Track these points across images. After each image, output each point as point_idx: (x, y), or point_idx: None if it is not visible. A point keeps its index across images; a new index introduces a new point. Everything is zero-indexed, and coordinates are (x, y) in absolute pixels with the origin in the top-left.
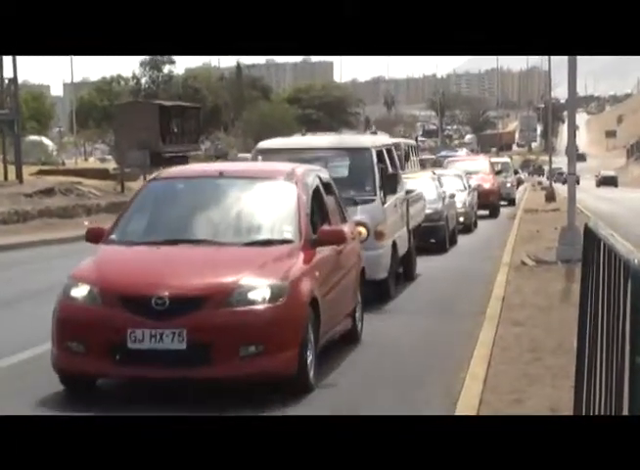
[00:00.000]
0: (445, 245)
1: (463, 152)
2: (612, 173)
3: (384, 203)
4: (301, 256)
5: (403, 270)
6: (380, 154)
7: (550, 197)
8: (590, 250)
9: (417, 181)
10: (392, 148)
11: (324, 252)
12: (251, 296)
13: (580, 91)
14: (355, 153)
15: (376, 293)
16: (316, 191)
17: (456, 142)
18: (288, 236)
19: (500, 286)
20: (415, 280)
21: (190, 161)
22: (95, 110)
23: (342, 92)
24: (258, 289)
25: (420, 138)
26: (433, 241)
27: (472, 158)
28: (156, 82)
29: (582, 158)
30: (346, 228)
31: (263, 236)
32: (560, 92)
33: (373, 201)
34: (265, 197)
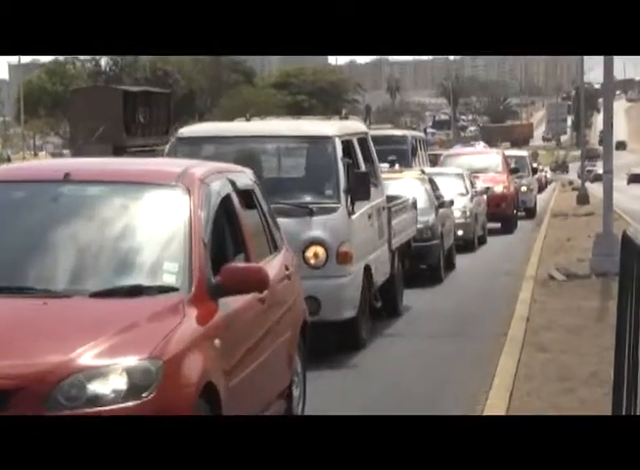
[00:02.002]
0: (440, 272)
1: (480, 146)
2: None
3: (351, 213)
4: (191, 313)
5: (383, 304)
6: (347, 145)
7: (583, 199)
8: (629, 261)
9: (401, 183)
10: (368, 138)
11: (233, 304)
12: (93, 388)
13: (618, 75)
14: (312, 143)
15: (340, 338)
16: (226, 204)
17: (469, 134)
18: (169, 280)
19: (524, 304)
20: (402, 316)
21: (159, 155)
22: (46, 96)
23: (337, 76)
24: (107, 376)
25: (429, 130)
26: (423, 266)
27: (479, 151)
28: (118, 64)
29: (622, 146)
30: (276, 263)
31: (127, 281)
32: (594, 76)
33: (335, 210)
34: (136, 215)
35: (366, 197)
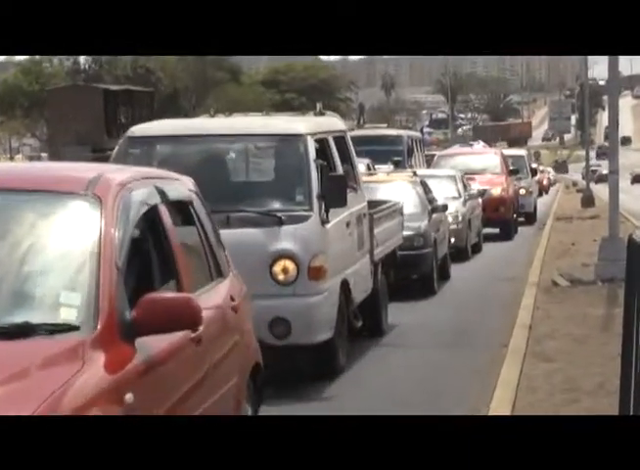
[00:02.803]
0: (433, 282)
1: (479, 146)
2: None
3: (325, 221)
4: (96, 359)
5: (365, 323)
6: (322, 145)
7: (588, 201)
8: (635, 266)
9: (391, 186)
10: (346, 136)
11: (155, 345)
12: None
13: (624, 70)
14: (281, 143)
15: (314, 363)
16: (152, 219)
17: (460, 133)
18: (68, 317)
19: (526, 312)
20: (393, 329)
21: None
22: (22, 96)
23: (329, 73)
24: None
25: (426, 129)
26: (414, 277)
27: (475, 151)
28: (98, 62)
29: (628, 141)
30: (218, 292)
31: (12, 318)
32: (598, 71)
33: (306, 218)
34: (30, 232)
35: (342, 203)
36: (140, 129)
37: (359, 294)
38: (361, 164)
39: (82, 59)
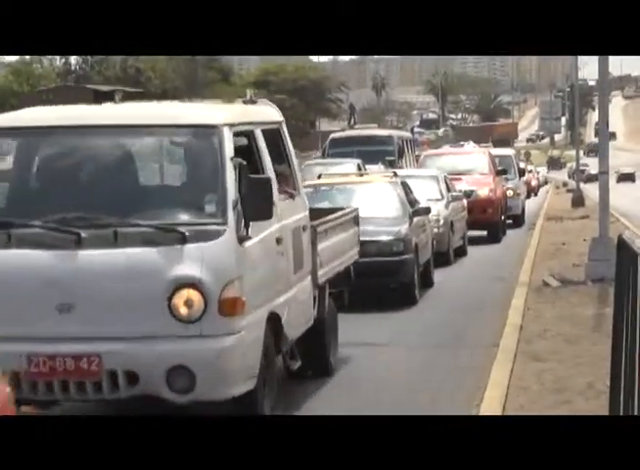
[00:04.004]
0: (413, 290)
1: (470, 146)
2: (630, 170)
3: (244, 238)
4: None
5: (305, 363)
6: (248, 140)
7: (578, 201)
8: (625, 266)
9: (369, 188)
10: (282, 129)
11: None
12: None
13: (614, 70)
14: (188, 137)
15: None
16: None
17: (441, 133)
18: None
19: (517, 312)
20: (336, 374)
21: None
22: (13, 97)
23: (319, 74)
24: None
25: (417, 129)
26: (393, 286)
27: (462, 151)
28: (88, 62)
29: (613, 136)
30: None
31: None
32: (589, 71)
33: (219, 234)
34: None
35: (267, 214)
36: (2, 119)
37: (296, 328)
38: (352, 165)
39: (73, 59)
